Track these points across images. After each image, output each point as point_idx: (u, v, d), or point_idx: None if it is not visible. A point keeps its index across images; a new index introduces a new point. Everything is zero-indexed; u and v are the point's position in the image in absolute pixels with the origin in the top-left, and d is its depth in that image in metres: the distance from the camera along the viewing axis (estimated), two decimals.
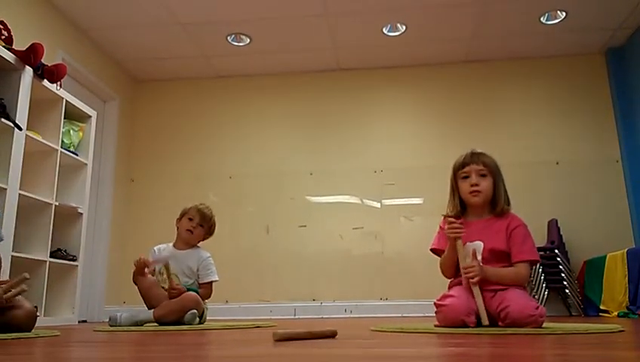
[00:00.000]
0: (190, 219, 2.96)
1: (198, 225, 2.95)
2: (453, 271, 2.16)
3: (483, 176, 2.14)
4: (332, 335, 1.69)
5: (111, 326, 2.58)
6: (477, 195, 2.13)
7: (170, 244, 3.00)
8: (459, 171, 2.18)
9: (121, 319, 2.59)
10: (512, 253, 2.08)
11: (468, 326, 1.94)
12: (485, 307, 1.99)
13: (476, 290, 2.00)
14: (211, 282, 2.91)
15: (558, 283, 4.31)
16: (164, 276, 2.77)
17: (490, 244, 2.08)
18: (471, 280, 2.00)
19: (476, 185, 2.12)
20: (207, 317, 3.02)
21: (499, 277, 2.04)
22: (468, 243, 2.11)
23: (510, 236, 2.09)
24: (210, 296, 2.91)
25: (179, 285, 2.76)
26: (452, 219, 2.08)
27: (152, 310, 2.68)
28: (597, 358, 0.89)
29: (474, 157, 2.17)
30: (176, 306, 2.67)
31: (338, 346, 1.35)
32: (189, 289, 2.77)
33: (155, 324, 2.68)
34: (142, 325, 2.65)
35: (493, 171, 2.16)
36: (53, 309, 3.46)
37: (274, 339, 1.51)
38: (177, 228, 3.00)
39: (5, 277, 2.87)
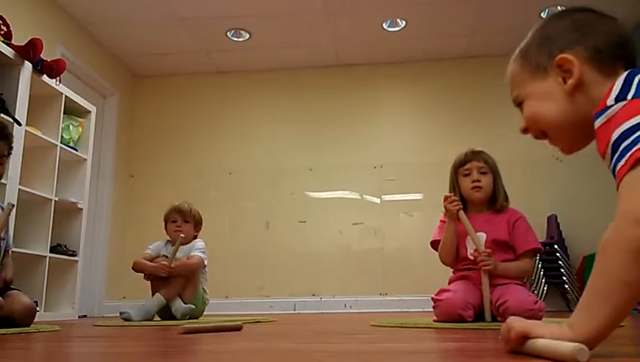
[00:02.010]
0: (174, 221, 2.99)
1: (184, 222, 2.98)
2: (453, 256, 2.18)
3: (484, 173, 2.19)
4: (238, 328, 1.77)
5: (125, 319, 2.63)
6: (479, 191, 2.17)
7: (170, 244, 3.02)
8: (460, 168, 2.22)
9: (133, 315, 2.64)
10: (516, 245, 2.13)
11: (465, 321, 1.96)
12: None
13: (485, 283, 2.01)
14: (198, 257, 2.89)
15: (557, 279, 4.32)
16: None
17: (492, 235, 2.12)
18: (484, 268, 2.02)
19: (478, 181, 2.17)
20: (207, 312, 3.04)
21: (506, 271, 2.09)
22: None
23: (513, 228, 2.15)
24: (195, 265, 2.86)
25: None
26: (449, 194, 2.15)
27: (160, 294, 2.73)
28: (597, 353, 0.89)
29: (475, 154, 2.23)
30: (180, 281, 2.78)
31: (339, 341, 1.35)
32: None
33: (158, 317, 2.72)
34: (157, 312, 2.73)
35: (492, 168, 2.22)
36: (53, 304, 3.47)
37: (181, 333, 1.63)
38: (169, 235, 3.04)
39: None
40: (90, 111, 3.94)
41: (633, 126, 0.80)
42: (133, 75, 5.37)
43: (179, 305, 2.76)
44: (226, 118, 5.28)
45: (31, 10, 3.81)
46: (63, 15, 4.22)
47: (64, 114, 3.58)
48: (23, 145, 3.15)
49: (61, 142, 3.52)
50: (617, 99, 0.85)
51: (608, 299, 0.78)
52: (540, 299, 3.52)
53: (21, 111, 3.12)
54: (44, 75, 3.38)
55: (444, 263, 2.23)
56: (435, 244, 2.25)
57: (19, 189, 3.08)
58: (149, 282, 2.87)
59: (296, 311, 4.71)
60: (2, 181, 2.94)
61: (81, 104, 3.83)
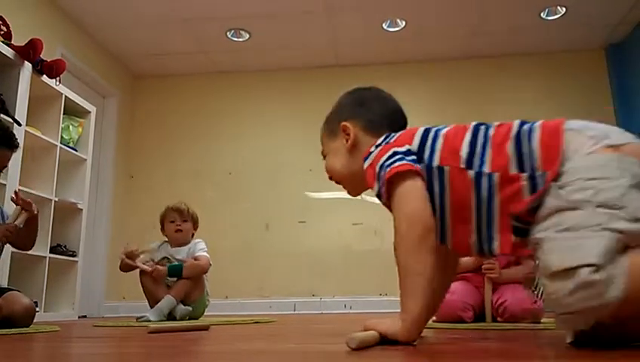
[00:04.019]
0: (172, 221, 2.99)
1: (183, 222, 2.99)
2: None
3: None
4: (205, 329, 1.82)
5: (144, 321, 2.63)
6: None
7: (168, 245, 3.03)
8: None
9: (151, 317, 2.65)
10: None
11: (465, 321, 1.96)
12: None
13: (488, 288, 2.01)
14: (206, 258, 2.94)
15: None
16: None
17: None
18: (488, 275, 2.01)
19: None
20: (207, 313, 3.05)
21: (509, 278, 2.07)
22: None
23: None
24: (205, 266, 2.92)
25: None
26: (491, 263, 2.06)
27: (170, 295, 2.74)
28: (596, 353, 0.90)
29: None
30: (188, 282, 2.82)
31: (339, 342, 1.35)
32: (175, 266, 2.83)
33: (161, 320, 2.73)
34: (171, 312, 2.74)
35: None
36: (52, 305, 3.47)
37: (147, 332, 1.67)
38: (166, 235, 3.04)
39: (6, 271, 2.88)
40: (89, 112, 3.94)
41: (384, 160, 1.15)
42: (133, 75, 5.37)
43: (179, 306, 2.77)
44: (226, 118, 5.28)
45: (31, 10, 3.81)
46: (63, 15, 4.22)
47: (64, 114, 3.58)
48: (23, 145, 3.14)
49: (61, 143, 3.52)
50: (376, 147, 1.21)
51: (411, 290, 1.05)
52: (540, 299, 3.53)
53: (21, 111, 3.12)
54: (44, 76, 3.38)
55: None
56: None
57: (19, 189, 3.07)
58: (143, 286, 2.87)
59: (295, 312, 4.71)
60: (2, 181, 2.95)
61: (81, 104, 3.83)
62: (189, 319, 2.78)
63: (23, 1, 3.75)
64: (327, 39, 4.78)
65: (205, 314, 3.04)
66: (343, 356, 0.98)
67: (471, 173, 1.07)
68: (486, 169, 1.06)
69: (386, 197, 1.13)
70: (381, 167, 1.14)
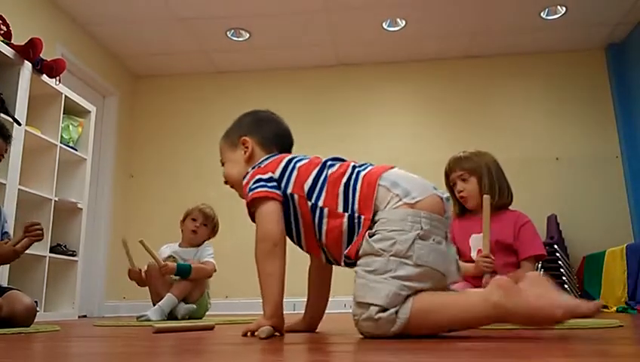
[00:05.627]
0: (194, 220, 3.02)
1: (202, 225, 3.01)
2: None
3: (464, 180, 2.17)
4: (210, 328, 1.85)
5: (144, 320, 2.62)
6: (465, 201, 2.18)
7: (176, 244, 3.05)
8: (447, 180, 2.24)
9: (151, 316, 2.64)
10: (521, 249, 2.11)
11: None
12: None
13: (486, 284, 2.01)
14: (212, 264, 2.97)
15: (557, 279, 4.31)
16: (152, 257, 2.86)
17: (496, 236, 2.09)
18: (485, 269, 2.01)
19: (461, 191, 2.17)
20: (209, 313, 3.05)
21: None
22: (474, 235, 2.13)
23: (519, 232, 2.13)
24: (211, 271, 2.95)
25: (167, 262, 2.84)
26: (487, 258, 2.03)
27: (172, 294, 2.74)
28: (597, 352, 0.90)
29: (455, 162, 2.23)
30: (189, 283, 2.82)
31: (338, 341, 1.35)
32: (184, 266, 2.83)
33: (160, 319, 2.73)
34: (172, 311, 2.74)
35: (474, 171, 2.17)
36: (53, 304, 3.47)
37: (153, 332, 1.70)
38: (182, 230, 3.05)
39: (6, 271, 2.88)
40: (90, 111, 3.94)
41: (251, 185, 1.46)
42: (133, 74, 5.37)
43: (180, 306, 2.78)
44: (226, 118, 5.17)
45: (31, 10, 3.81)
46: (63, 15, 4.22)
47: (64, 114, 3.58)
48: (23, 145, 3.15)
49: (61, 142, 3.53)
50: (252, 168, 1.51)
51: (266, 287, 1.39)
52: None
53: (21, 111, 3.13)
54: (44, 75, 3.38)
55: None
56: None
57: (19, 189, 3.08)
58: (149, 286, 2.88)
59: (295, 311, 4.70)
60: (2, 181, 2.95)
61: (81, 104, 3.83)
62: (189, 318, 2.78)
63: (23, 0, 3.75)
64: (328, 39, 4.78)
65: (206, 314, 3.04)
66: (342, 353, 0.99)
67: (309, 203, 1.40)
68: (320, 203, 1.39)
69: (249, 214, 1.49)
70: (249, 189, 1.45)
